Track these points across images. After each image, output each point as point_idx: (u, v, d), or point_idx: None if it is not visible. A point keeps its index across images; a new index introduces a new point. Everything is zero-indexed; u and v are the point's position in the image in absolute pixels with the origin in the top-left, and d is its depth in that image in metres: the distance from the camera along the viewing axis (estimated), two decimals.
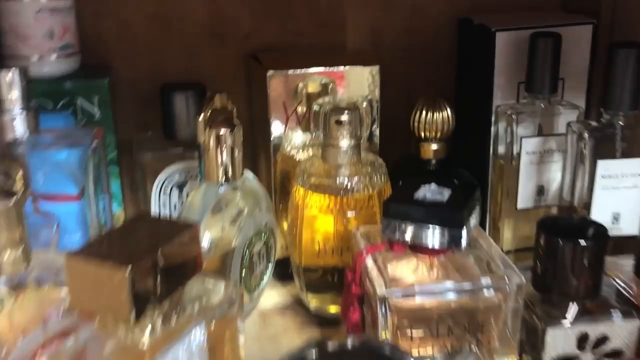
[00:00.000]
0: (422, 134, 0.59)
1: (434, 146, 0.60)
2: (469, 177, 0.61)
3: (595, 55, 0.60)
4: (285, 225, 0.57)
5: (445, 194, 0.43)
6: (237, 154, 0.49)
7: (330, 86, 0.57)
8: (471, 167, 0.63)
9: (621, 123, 0.50)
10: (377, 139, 0.60)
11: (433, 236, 0.42)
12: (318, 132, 0.51)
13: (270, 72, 0.55)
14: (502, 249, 0.59)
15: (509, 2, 0.66)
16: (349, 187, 0.51)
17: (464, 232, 0.41)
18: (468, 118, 0.65)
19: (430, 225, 0.42)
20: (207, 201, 0.50)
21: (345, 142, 0.50)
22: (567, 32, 0.58)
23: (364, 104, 0.51)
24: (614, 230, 0.53)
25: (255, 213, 0.51)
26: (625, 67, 0.48)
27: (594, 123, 0.51)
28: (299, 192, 0.52)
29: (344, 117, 0.50)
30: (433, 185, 0.44)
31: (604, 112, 0.51)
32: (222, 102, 0.49)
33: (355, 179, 0.50)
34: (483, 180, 0.62)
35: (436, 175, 0.61)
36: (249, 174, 0.53)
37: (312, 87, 0.57)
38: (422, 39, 0.66)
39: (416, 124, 0.59)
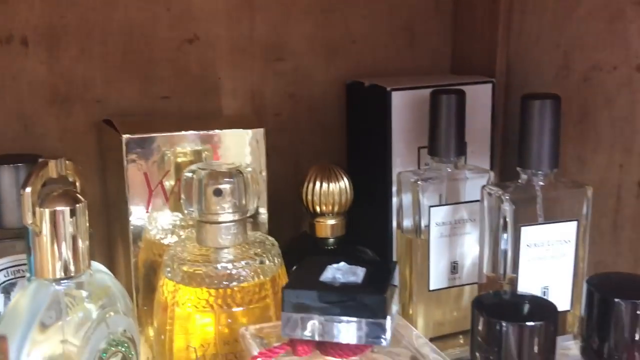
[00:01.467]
0: (317, 209, 0.50)
1: (331, 222, 0.51)
2: (373, 256, 0.53)
3: (494, 116, 0.55)
4: (151, 332, 0.45)
5: (360, 273, 0.34)
6: (81, 240, 0.37)
7: (204, 154, 0.48)
8: (371, 243, 0.55)
9: (541, 183, 0.44)
10: (263, 218, 0.50)
11: (348, 330, 0.32)
12: (191, 208, 0.40)
13: (126, 137, 0.44)
14: None
15: (395, 67, 0.61)
16: (233, 274, 0.40)
17: (388, 322, 0.32)
18: (365, 188, 0.57)
19: (345, 317, 0.32)
20: (38, 304, 0.36)
21: (227, 217, 0.40)
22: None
23: (249, 169, 0.41)
24: None
25: (107, 318, 0.39)
26: (541, 120, 0.43)
27: (511, 185, 0.45)
28: (167, 286, 0.40)
29: (225, 185, 0.40)
30: (343, 264, 0.35)
31: (521, 172, 0.45)
32: (59, 170, 0.37)
33: (242, 263, 0.40)
34: (385, 258, 0.54)
35: (335, 255, 0.52)
36: (99, 267, 0.40)
37: (183, 156, 0.47)
38: (309, 104, 0.59)
39: (309, 197, 0.50)
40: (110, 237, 0.52)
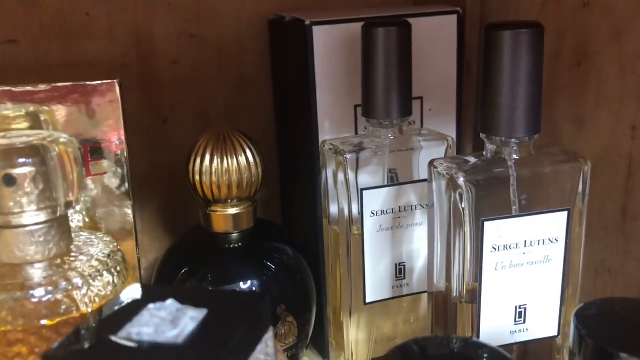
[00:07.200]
0: (209, 194, 0.36)
1: (233, 211, 0.37)
2: (293, 255, 0.39)
3: (462, 60, 0.41)
4: None
5: (189, 323, 0.20)
6: None
7: (43, 118, 0.34)
8: (300, 236, 0.41)
9: (516, 157, 0.30)
10: (128, 213, 0.36)
11: None
12: None
13: None
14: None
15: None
16: (44, 302, 0.26)
17: None
18: (291, 161, 0.43)
19: None
20: None
21: (29, 217, 0.26)
22: (420, 28, 0.38)
23: (64, 140, 0.27)
24: (518, 335, 0.32)
25: None
26: (515, 62, 0.28)
27: (472, 159, 0.31)
28: None
29: (20, 171, 0.26)
30: (170, 303, 0.21)
31: (487, 141, 0.31)
32: None
33: (63, 285, 0.26)
34: (316, 255, 0.40)
35: (240, 258, 0.38)
36: None
37: (11, 121, 0.33)
38: (218, 48, 0.44)
39: (197, 177, 0.36)
40: None
